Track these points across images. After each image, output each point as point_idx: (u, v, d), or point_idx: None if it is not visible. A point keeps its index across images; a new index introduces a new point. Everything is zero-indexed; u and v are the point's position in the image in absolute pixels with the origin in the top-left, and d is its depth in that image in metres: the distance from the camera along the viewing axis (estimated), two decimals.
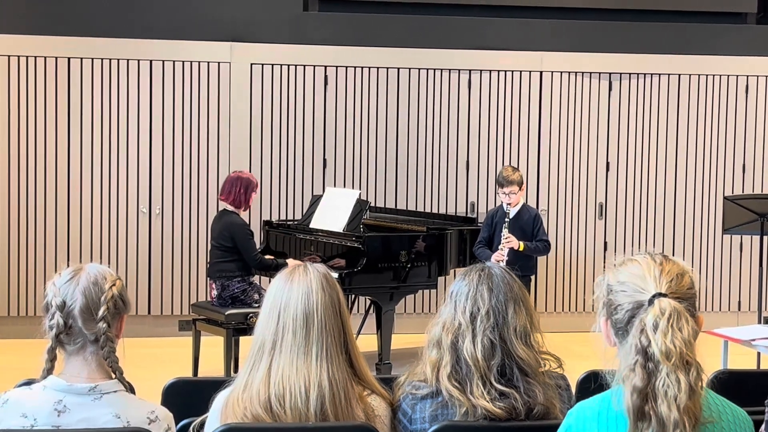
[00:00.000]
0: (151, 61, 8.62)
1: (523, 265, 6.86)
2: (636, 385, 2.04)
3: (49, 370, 2.63)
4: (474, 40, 9.02)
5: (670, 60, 9.19)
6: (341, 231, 7.14)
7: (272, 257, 7.28)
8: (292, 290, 2.72)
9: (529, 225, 7.10)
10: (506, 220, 6.97)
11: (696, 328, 2.10)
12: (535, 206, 8.82)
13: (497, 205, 7.56)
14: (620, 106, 9.18)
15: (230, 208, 6.98)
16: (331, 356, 2.67)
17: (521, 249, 6.93)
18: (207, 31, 8.71)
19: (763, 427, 2.48)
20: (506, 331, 2.71)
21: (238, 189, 6.94)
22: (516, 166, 7.94)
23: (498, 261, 6.78)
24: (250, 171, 8.33)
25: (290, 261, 6.92)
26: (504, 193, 7.02)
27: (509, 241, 6.88)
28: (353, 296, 7.86)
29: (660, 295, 2.10)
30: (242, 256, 6.91)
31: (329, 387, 2.64)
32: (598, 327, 2.26)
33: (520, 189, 7.05)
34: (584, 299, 9.15)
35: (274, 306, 2.72)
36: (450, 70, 8.99)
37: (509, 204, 7.00)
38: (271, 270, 6.95)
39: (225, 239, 6.89)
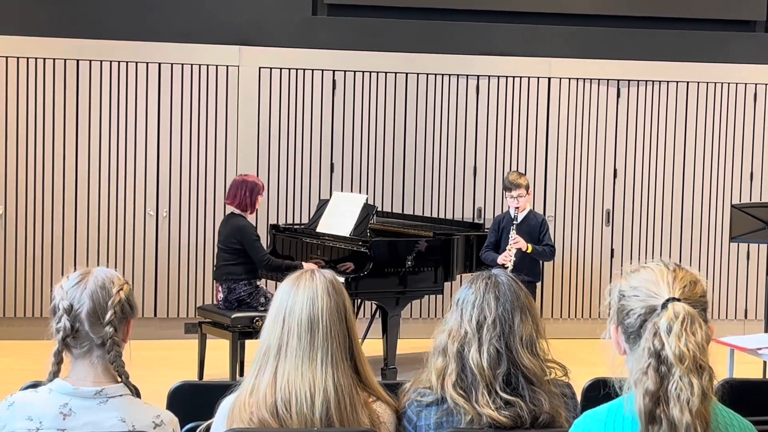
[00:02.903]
0: (159, 64, 8.63)
1: (530, 271, 6.89)
2: (648, 388, 2.03)
3: (55, 373, 2.63)
4: (482, 45, 9.02)
5: (678, 67, 9.18)
6: (348, 235, 7.14)
7: (282, 259, 7.27)
8: (298, 295, 2.72)
9: (535, 230, 7.13)
10: (514, 223, 7.00)
11: (709, 333, 2.10)
12: (542, 212, 8.83)
13: (504, 210, 7.57)
14: (628, 113, 9.17)
15: (237, 211, 7.00)
16: (336, 362, 2.67)
17: (529, 251, 6.96)
18: (215, 35, 8.72)
19: None
20: (512, 340, 2.71)
21: (244, 192, 6.95)
22: (522, 172, 7.95)
23: (505, 262, 6.80)
24: (257, 174, 8.35)
25: (306, 264, 6.87)
26: (512, 196, 7.04)
27: (517, 242, 6.90)
28: (359, 301, 7.85)
29: (673, 299, 2.10)
30: (249, 260, 6.92)
31: (334, 393, 2.64)
32: (608, 334, 2.26)
33: (527, 193, 7.08)
34: (590, 306, 9.14)
35: (280, 310, 2.72)
36: (458, 75, 8.98)
37: (517, 208, 7.02)
38: (281, 271, 6.90)
39: (232, 242, 6.90)
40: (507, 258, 6.87)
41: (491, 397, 2.66)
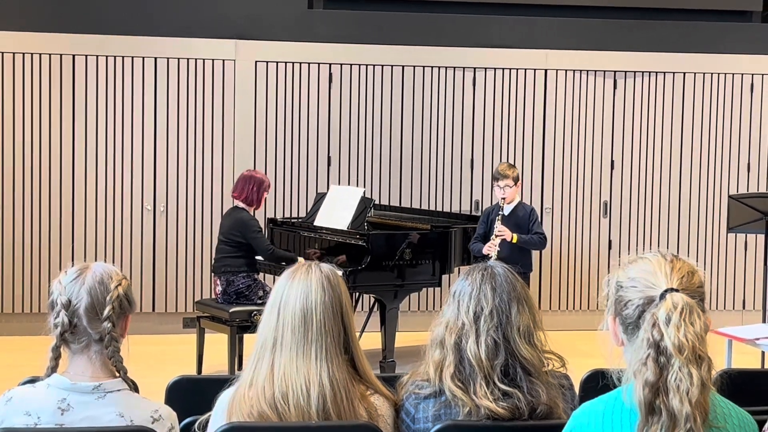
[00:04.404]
0: (156, 58, 8.62)
1: (522, 262, 6.90)
2: (648, 379, 2.03)
3: (53, 368, 2.62)
4: (479, 37, 9.01)
5: (675, 58, 9.18)
6: (345, 229, 7.14)
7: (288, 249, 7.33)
8: (292, 288, 2.72)
9: (524, 221, 7.16)
10: (500, 213, 7.03)
11: (707, 323, 2.10)
12: (539, 204, 8.84)
13: (496, 202, 7.59)
14: (625, 105, 9.17)
15: (242, 205, 7.04)
16: (330, 356, 2.66)
17: (514, 241, 6.97)
18: (212, 29, 8.71)
19: (766, 426, 2.47)
20: (510, 330, 2.71)
21: (251, 187, 7.01)
22: (513, 164, 7.97)
23: (489, 252, 6.82)
24: (254, 168, 8.34)
25: (302, 259, 6.89)
26: (499, 186, 7.11)
27: (501, 233, 6.92)
28: (357, 294, 7.85)
29: (672, 290, 2.10)
30: (249, 252, 6.97)
31: (330, 386, 2.63)
32: (606, 325, 2.26)
33: (515, 184, 7.12)
34: (588, 297, 9.15)
35: (275, 303, 2.72)
36: (455, 67, 8.98)
37: (503, 198, 7.07)
38: (288, 260, 6.96)
39: (234, 235, 6.95)
40: (491, 248, 6.89)
41: (489, 388, 2.66)
